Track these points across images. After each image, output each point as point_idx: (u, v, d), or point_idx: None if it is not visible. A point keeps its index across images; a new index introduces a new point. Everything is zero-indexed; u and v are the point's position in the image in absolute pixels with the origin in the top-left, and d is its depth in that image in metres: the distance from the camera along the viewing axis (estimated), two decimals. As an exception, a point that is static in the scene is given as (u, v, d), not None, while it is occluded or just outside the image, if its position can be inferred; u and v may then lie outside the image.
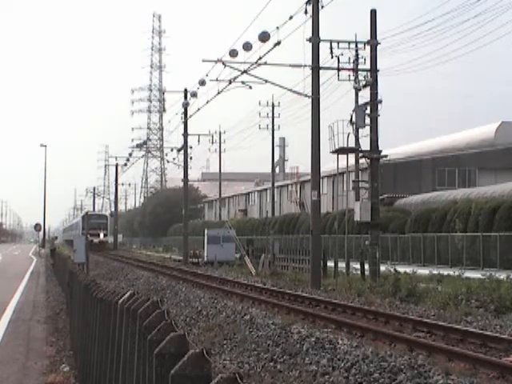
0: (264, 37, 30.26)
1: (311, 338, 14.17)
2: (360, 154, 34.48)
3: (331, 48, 32.53)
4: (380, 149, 32.19)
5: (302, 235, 56.49)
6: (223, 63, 34.99)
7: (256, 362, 13.55)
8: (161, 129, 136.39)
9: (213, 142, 63.14)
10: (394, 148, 73.59)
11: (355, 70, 33.52)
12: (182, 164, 55.84)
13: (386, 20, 64.47)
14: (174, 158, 61.93)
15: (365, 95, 33.14)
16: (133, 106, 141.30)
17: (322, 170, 32.68)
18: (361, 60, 34.00)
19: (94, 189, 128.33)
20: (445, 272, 32.01)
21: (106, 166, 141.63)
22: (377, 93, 32.10)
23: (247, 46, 31.45)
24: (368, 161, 32.19)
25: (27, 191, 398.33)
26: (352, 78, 33.71)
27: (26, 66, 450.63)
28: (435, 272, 31.67)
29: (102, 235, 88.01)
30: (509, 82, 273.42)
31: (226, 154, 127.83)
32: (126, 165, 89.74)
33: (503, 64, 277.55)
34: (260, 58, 32.17)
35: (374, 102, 32.04)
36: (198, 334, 17.27)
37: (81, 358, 12.61)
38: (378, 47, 32.74)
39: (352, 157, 39.91)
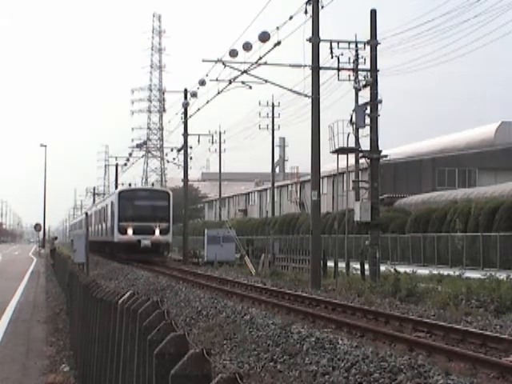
0: (264, 37, 30.26)
1: (311, 337, 14.16)
2: (360, 154, 34.49)
3: (331, 48, 32.55)
4: (380, 149, 32.19)
5: (301, 235, 56.51)
6: (223, 63, 34.99)
7: (256, 362, 13.55)
8: (161, 129, 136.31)
9: (213, 142, 63.15)
10: (394, 148, 73.64)
11: (355, 70, 33.53)
12: (182, 164, 55.85)
13: (385, 20, 64.48)
14: (174, 158, 61.92)
15: (365, 95, 33.18)
16: (133, 106, 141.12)
17: (322, 170, 32.68)
18: (361, 60, 34.01)
19: (94, 189, 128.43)
20: (445, 272, 32.02)
21: (106, 165, 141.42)
22: (377, 93, 32.11)
23: (247, 46, 31.44)
24: (368, 161, 32.19)
25: (27, 191, 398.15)
26: (352, 78, 33.73)
27: (26, 66, 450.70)
28: (435, 272, 31.68)
29: (157, 231, 48.77)
30: (509, 82, 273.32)
31: (226, 154, 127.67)
32: (125, 165, 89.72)
33: (503, 64, 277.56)
34: (260, 58, 32.18)
35: (374, 101, 32.04)
36: (198, 334, 17.26)
37: (81, 358, 12.61)
38: (378, 47, 32.77)
39: (352, 157, 39.91)
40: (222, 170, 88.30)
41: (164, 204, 49.82)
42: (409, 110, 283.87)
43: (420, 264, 42.20)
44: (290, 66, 32.40)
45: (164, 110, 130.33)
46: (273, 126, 72.21)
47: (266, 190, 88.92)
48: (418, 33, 70.63)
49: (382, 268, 31.68)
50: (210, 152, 76.16)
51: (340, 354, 12.62)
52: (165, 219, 49.11)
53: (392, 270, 28.94)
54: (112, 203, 51.71)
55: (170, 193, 51.59)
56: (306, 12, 30.27)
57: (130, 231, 48.63)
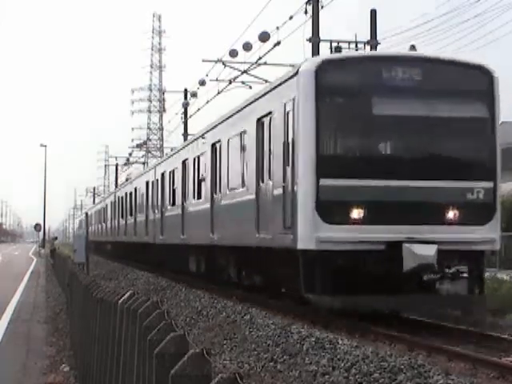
0: (264, 37, 30.26)
1: (311, 338, 14.15)
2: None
3: (331, 48, 32.52)
4: (380, 149, 32.18)
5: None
6: (223, 63, 34.99)
7: (256, 362, 13.54)
8: (161, 129, 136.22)
9: (213, 142, 62.84)
10: (394, 148, 73.48)
11: (355, 70, 33.50)
12: (182, 164, 55.63)
13: (385, 20, 64.43)
14: (174, 158, 61.76)
15: (365, 95, 33.12)
16: (133, 106, 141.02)
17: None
18: (361, 60, 33.97)
19: (94, 189, 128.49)
20: (445, 272, 31.95)
21: (106, 165, 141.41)
22: (377, 93, 32.07)
23: (247, 46, 31.45)
24: (368, 161, 32.17)
25: (27, 191, 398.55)
26: (352, 78, 33.70)
27: (27, 66, 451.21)
28: (435, 272, 31.62)
29: (453, 213, 15.37)
30: (508, 82, 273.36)
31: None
32: (125, 165, 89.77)
33: (503, 63, 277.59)
34: (260, 58, 32.18)
35: (374, 102, 32.02)
36: (198, 334, 17.26)
37: (81, 358, 12.61)
38: (378, 47, 32.74)
39: (352, 157, 39.86)
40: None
41: (478, 114, 16.38)
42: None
43: (420, 264, 42.13)
44: (290, 66, 32.37)
45: (164, 110, 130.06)
46: (273, 126, 72.14)
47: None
48: (418, 33, 70.71)
49: (382, 268, 31.61)
50: (211, 152, 75.96)
51: (340, 354, 12.61)
52: (482, 166, 16.24)
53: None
54: (280, 116, 16.95)
55: (495, 75, 17.24)
56: (306, 12, 30.26)
57: (357, 213, 15.27)
